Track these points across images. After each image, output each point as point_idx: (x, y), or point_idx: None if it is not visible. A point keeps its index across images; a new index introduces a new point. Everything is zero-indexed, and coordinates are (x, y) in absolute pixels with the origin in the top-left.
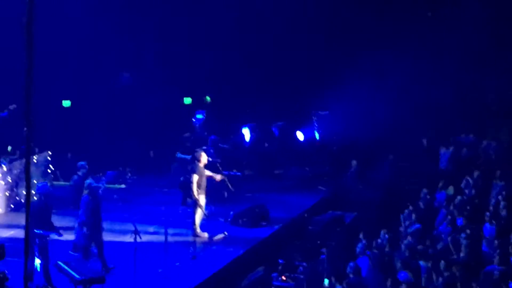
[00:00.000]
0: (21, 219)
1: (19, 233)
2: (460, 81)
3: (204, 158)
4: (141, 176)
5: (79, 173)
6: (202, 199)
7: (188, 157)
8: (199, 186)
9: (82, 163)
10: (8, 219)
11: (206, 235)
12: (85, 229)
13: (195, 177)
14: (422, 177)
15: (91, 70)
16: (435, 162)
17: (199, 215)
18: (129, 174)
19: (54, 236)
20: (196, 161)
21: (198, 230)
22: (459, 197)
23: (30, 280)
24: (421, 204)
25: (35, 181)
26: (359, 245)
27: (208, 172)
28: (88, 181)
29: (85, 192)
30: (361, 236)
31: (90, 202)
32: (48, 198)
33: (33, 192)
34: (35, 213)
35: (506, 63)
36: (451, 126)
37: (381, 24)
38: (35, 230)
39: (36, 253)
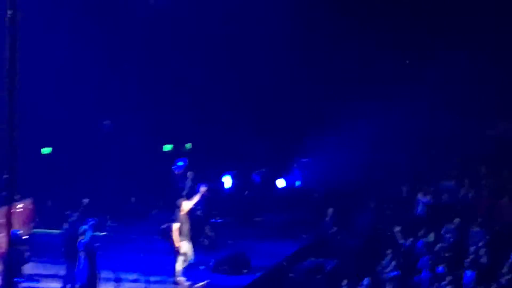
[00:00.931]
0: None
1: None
2: (439, 126)
3: (185, 206)
4: (120, 223)
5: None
6: (185, 246)
7: None
8: (181, 233)
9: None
10: None
11: (187, 283)
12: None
13: (176, 226)
14: (402, 223)
15: (72, 117)
16: (414, 209)
17: (180, 263)
18: (109, 222)
19: (34, 284)
20: (177, 209)
21: (179, 277)
22: (439, 244)
23: None
24: (401, 251)
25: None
26: None
27: (191, 203)
28: (83, 227)
29: (81, 238)
30: (344, 283)
31: (85, 246)
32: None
33: None
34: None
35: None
36: (431, 172)
37: (362, 72)
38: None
39: None
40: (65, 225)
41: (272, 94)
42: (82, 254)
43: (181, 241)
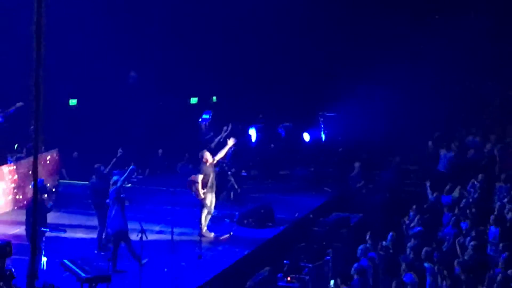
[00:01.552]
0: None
1: (24, 231)
2: (466, 84)
3: (209, 158)
4: (147, 175)
5: (95, 176)
6: (209, 199)
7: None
8: (205, 185)
9: (99, 166)
10: (14, 217)
11: (212, 235)
12: (117, 219)
13: (200, 177)
14: (427, 179)
15: (98, 69)
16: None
17: (205, 215)
18: (135, 174)
19: (60, 234)
20: (202, 161)
21: (205, 229)
22: (464, 200)
23: (36, 277)
24: (426, 206)
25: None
26: (360, 247)
27: (219, 155)
28: (115, 177)
29: (113, 186)
30: (367, 237)
31: (117, 195)
32: (44, 193)
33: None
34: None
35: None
36: (458, 128)
37: (389, 28)
38: (42, 229)
39: (43, 251)
40: (93, 177)
41: (300, 47)
42: (113, 202)
43: (205, 193)
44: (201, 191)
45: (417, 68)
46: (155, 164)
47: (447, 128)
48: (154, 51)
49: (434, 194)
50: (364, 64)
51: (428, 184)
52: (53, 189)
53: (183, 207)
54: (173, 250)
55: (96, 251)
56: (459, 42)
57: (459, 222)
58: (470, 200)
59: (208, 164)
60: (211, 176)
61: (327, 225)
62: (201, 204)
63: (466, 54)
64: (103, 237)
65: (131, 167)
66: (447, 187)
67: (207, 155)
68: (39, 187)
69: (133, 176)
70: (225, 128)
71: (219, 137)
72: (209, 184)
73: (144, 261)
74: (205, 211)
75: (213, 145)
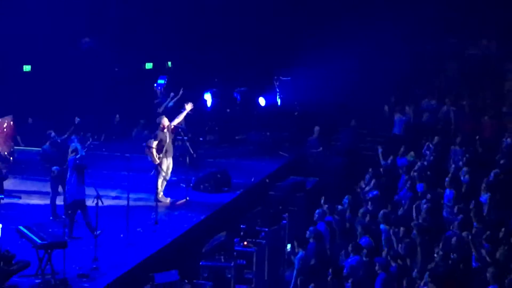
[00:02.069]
0: None
1: None
2: (421, 47)
3: (166, 123)
4: (103, 141)
5: (48, 143)
6: (165, 164)
7: None
8: (161, 150)
9: (51, 132)
10: None
11: (168, 200)
12: (76, 187)
13: (155, 143)
14: (382, 143)
15: (52, 35)
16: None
17: (161, 181)
18: (90, 139)
19: (15, 200)
20: (159, 127)
21: (161, 195)
22: (419, 163)
23: None
24: (381, 170)
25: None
26: (317, 211)
27: (176, 121)
28: (74, 144)
29: (72, 154)
30: (322, 201)
31: (76, 163)
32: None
33: None
34: None
35: (466, 28)
36: (413, 91)
37: None
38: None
39: None
40: (47, 144)
41: (254, 11)
42: (72, 170)
43: (161, 158)
44: (155, 156)
45: (372, 29)
46: (110, 129)
47: (402, 91)
48: (108, 16)
49: (390, 158)
50: (319, 27)
51: (380, 150)
52: (9, 156)
53: (139, 173)
54: (129, 216)
55: (51, 218)
56: (413, 4)
57: (415, 185)
58: (425, 163)
59: (164, 129)
60: (167, 142)
61: (283, 189)
62: (156, 170)
63: (421, 14)
64: (63, 204)
65: (89, 139)
66: (401, 150)
67: (165, 120)
68: None
69: (89, 142)
70: (172, 94)
71: (166, 102)
72: (164, 149)
73: (98, 232)
74: (161, 177)
75: (160, 109)
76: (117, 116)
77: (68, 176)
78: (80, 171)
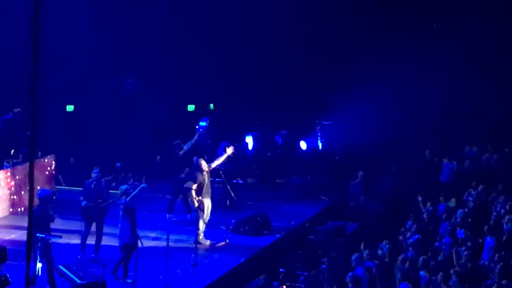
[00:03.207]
0: (22, 222)
1: (21, 236)
2: (464, 94)
3: (204, 166)
4: (143, 182)
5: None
6: (205, 206)
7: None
8: (200, 193)
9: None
10: (10, 222)
11: (208, 242)
12: (130, 233)
13: (194, 185)
14: (424, 189)
15: (96, 76)
16: (437, 174)
17: (202, 223)
18: (131, 180)
19: (56, 240)
20: (197, 169)
21: (201, 236)
22: (460, 210)
23: (32, 284)
24: (423, 216)
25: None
26: (354, 256)
27: (216, 163)
28: (124, 186)
29: (123, 197)
30: (362, 246)
31: (129, 206)
32: (49, 203)
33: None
34: (37, 218)
35: (508, 74)
36: (455, 138)
37: (385, 37)
38: (38, 234)
39: (38, 257)
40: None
41: (297, 55)
42: (124, 214)
43: (200, 200)
44: (195, 199)
45: (414, 73)
46: (152, 170)
47: (443, 137)
48: (152, 58)
49: (428, 205)
50: (361, 72)
51: (420, 198)
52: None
53: (179, 214)
54: (168, 257)
55: (78, 256)
56: (455, 49)
57: (455, 232)
58: (467, 210)
59: (203, 172)
60: (206, 183)
61: (323, 233)
62: (196, 212)
63: (463, 62)
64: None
65: (142, 185)
66: (441, 196)
67: (203, 163)
68: (44, 197)
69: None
70: (195, 137)
71: (188, 144)
72: (204, 190)
73: (129, 281)
74: (201, 218)
75: (181, 152)
76: (158, 157)
77: (120, 219)
78: (132, 214)
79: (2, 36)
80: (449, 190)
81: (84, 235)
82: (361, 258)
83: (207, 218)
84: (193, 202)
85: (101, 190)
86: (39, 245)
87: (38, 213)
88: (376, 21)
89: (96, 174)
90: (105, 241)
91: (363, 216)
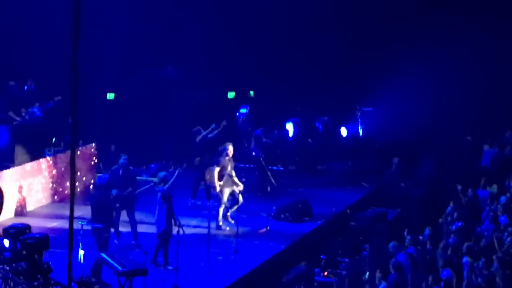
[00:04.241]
0: (65, 210)
1: (63, 224)
2: (505, 78)
3: (231, 150)
4: (185, 169)
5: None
6: (226, 192)
7: None
8: (222, 177)
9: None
10: (52, 211)
11: (227, 228)
12: (166, 219)
13: (217, 170)
14: (465, 175)
15: (135, 63)
16: (478, 160)
17: (222, 208)
18: (172, 167)
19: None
20: (223, 154)
21: (221, 222)
22: (503, 196)
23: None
24: (463, 201)
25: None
26: (391, 244)
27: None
28: (163, 173)
29: (161, 184)
30: (405, 233)
31: (166, 193)
32: (108, 191)
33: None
34: (93, 206)
35: None
36: (497, 123)
37: (427, 21)
38: (80, 222)
39: (81, 244)
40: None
41: (338, 41)
42: (162, 201)
43: (222, 186)
44: (217, 183)
45: (455, 56)
46: (193, 158)
47: (484, 123)
48: (191, 45)
49: (469, 191)
50: (401, 58)
51: (459, 188)
52: (92, 183)
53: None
54: (209, 244)
55: (115, 241)
56: (495, 32)
57: (497, 218)
58: (508, 195)
59: (228, 157)
60: (228, 169)
61: (364, 220)
62: (218, 197)
63: (504, 44)
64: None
65: (177, 170)
66: (483, 182)
67: (230, 148)
68: (104, 184)
69: (170, 170)
70: (213, 125)
71: (205, 132)
72: (225, 177)
73: (169, 268)
74: (221, 204)
75: (198, 139)
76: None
77: (157, 206)
78: (169, 201)
79: (43, 24)
80: (491, 176)
81: (116, 223)
82: (399, 246)
83: (224, 205)
84: (215, 187)
85: (131, 178)
86: (80, 233)
87: (95, 201)
88: (415, 5)
89: (123, 161)
90: (143, 228)
91: (404, 202)
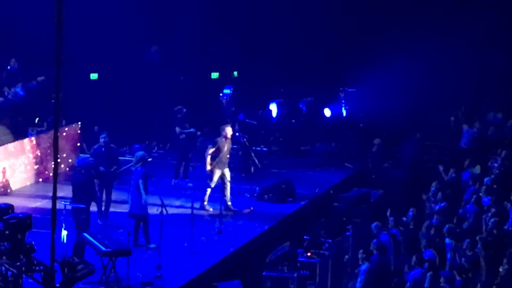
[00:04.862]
0: (48, 190)
1: (46, 204)
2: (489, 59)
3: (229, 132)
4: (168, 150)
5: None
6: (217, 174)
7: (192, 130)
8: (214, 158)
9: (103, 135)
10: (35, 191)
11: (211, 209)
12: (143, 199)
13: (211, 150)
14: (448, 155)
15: (119, 43)
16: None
17: (209, 189)
18: (156, 148)
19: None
20: (221, 135)
21: (205, 203)
22: (487, 177)
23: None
24: (447, 182)
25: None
26: (373, 224)
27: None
28: (140, 153)
29: (139, 163)
30: (388, 213)
31: (143, 173)
32: (89, 171)
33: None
34: (76, 187)
35: None
36: (478, 104)
37: (410, 3)
38: (63, 202)
39: (64, 224)
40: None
41: (320, 21)
42: (137, 181)
43: (213, 166)
44: (208, 163)
45: (440, 39)
46: (175, 138)
47: (468, 104)
48: (175, 26)
49: (452, 171)
50: (385, 39)
51: (441, 168)
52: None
53: (203, 182)
54: (193, 225)
55: (98, 221)
56: (480, 16)
57: (480, 199)
58: (492, 176)
59: (226, 139)
60: (224, 151)
61: (347, 200)
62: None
63: (489, 24)
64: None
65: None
66: (466, 163)
67: (228, 129)
68: (83, 165)
69: (154, 151)
70: (199, 133)
71: (188, 130)
72: (219, 158)
73: (152, 246)
74: (209, 186)
75: (178, 131)
76: (186, 125)
77: (132, 186)
78: (145, 181)
79: (26, 5)
80: (474, 157)
81: (99, 201)
82: (381, 226)
83: (228, 186)
84: (206, 166)
85: (113, 156)
86: (63, 213)
87: (77, 182)
88: None
89: (104, 139)
90: (124, 208)
91: (387, 183)
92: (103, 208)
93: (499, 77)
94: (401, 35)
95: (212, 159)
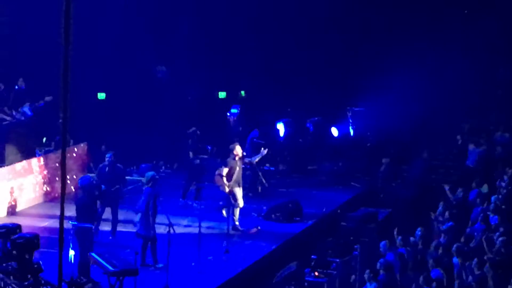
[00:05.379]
0: (55, 210)
1: (54, 224)
2: (497, 80)
3: (239, 151)
4: (175, 169)
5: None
6: (238, 192)
7: (208, 148)
8: (230, 179)
9: (109, 154)
10: (43, 211)
11: (241, 229)
12: (151, 219)
13: (225, 170)
14: (455, 175)
15: (126, 63)
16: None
17: (238, 209)
18: (163, 167)
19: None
20: (231, 154)
21: (237, 222)
22: (494, 196)
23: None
24: (453, 202)
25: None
26: (382, 243)
27: (256, 159)
28: (151, 173)
29: (149, 184)
30: (395, 233)
31: (153, 194)
32: (92, 191)
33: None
34: (78, 207)
35: None
36: (486, 123)
37: (417, 22)
38: (70, 222)
39: (71, 244)
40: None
41: (328, 41)
42: (148, 201)
43: (231, 186)
44: (226, 184)
45: (446, 57)
46: (183, 158)
47: (475, 123)
48: (182, 45)
49: (459, 190)
50: (391, 58)
51: (447, 188)
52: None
53: (211, 201)
54: (200, 244)
55: (110, 237)
56: (489, 34)
57: (488, 218)
58: (500, 196)
59: (236, 157)
60: (237, 170)
61: (355, 220)
62: (230, 198)
63: (497, 46)
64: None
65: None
66: (474, 183)
67: (238, 148)
68: (85, 185)
69: (161, 170)
70: (209, 149)
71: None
72: (234, 177)
73: (159, 265)
74: (237, 205)
75: (191, 155)
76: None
77: (140, 206)
78: (154, 201)
79: (34, 24)
80: (481, 176)
81: (98, 219)
82: (390, 245)
83: (241, 205)
84: (223, 188)
85: (118, 175)
86: (71, 232)
87: (79, 202)
88: (408, 5)
89: (109, 158)
90: (130, 227)
91: (395, 203)
92: (110, 228)
93: (506, 93)
94: (408, 54)
95: (228, 180)
